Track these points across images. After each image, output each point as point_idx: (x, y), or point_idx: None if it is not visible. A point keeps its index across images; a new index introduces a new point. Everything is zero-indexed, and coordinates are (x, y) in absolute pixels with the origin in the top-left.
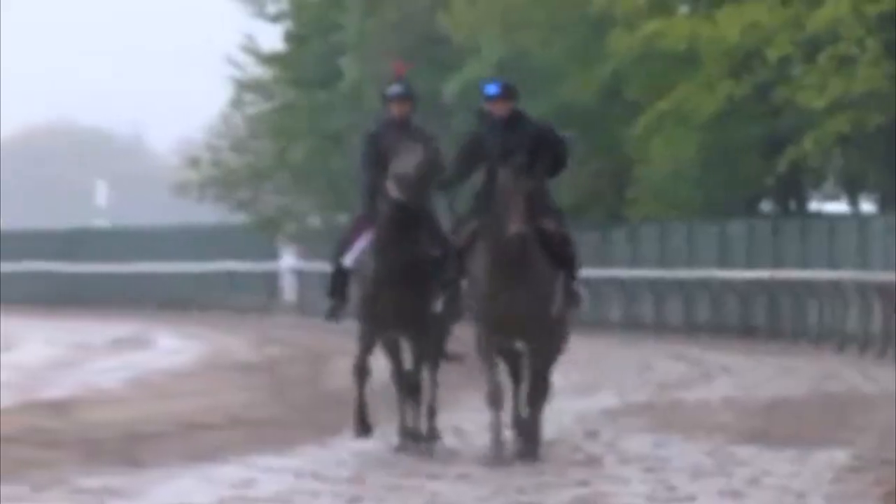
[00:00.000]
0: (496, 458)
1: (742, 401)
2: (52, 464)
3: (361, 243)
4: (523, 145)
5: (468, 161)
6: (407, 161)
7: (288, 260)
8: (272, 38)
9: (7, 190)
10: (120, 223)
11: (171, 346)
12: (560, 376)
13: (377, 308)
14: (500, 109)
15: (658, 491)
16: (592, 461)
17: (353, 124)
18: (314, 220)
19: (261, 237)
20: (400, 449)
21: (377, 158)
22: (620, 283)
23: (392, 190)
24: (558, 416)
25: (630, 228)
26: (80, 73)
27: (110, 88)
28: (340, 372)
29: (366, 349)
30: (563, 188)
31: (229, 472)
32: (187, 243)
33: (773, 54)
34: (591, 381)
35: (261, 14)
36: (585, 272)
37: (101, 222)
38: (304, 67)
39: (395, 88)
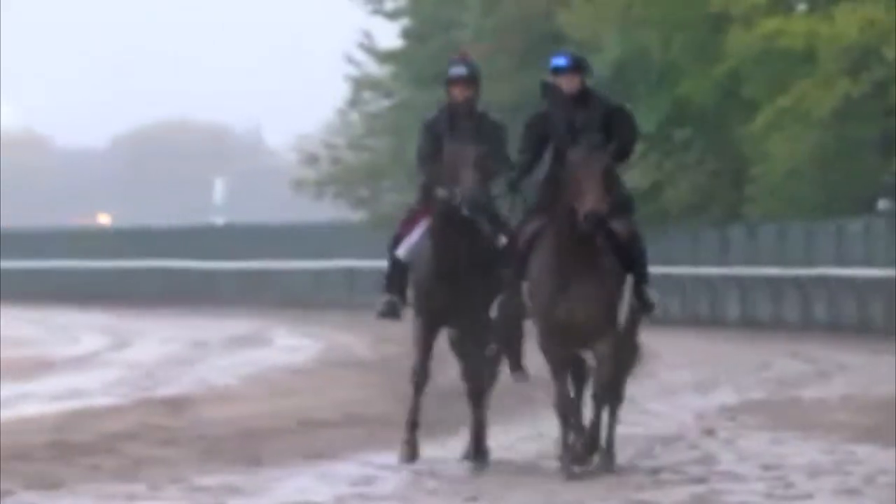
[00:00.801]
0: (567, 472)
1: (859, 399)
2: (170, 462)
3: (416, 236)
4: (593, 124)
5: (537, 146)
6: (468, 178)
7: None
8: (390, 35)
9: (126, 187)
10: (237, 220)
11: (288, 344)
12: (678, 374)
13: (433, 303)
14: (568, 84)
15: (775, 489)
16: (709, 458)
17: None
18: None
19: (379, 235)
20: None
21: (433, 151)
22: (738, 282)
23: (445, 195)
24: (677, 413)
25: (748, 227)
26: (200, 71)
27: (229, 86)
28: (455, 370)
29: (424, 351)
30: (682, 187)
31: (348, 469)
32: (306, 241)
33: (890, 52)
34: (708, 378)
35: (379, 11)
36: (704, 270)
37: (218, 219)
38: (422, 65)
39: (457, 69)
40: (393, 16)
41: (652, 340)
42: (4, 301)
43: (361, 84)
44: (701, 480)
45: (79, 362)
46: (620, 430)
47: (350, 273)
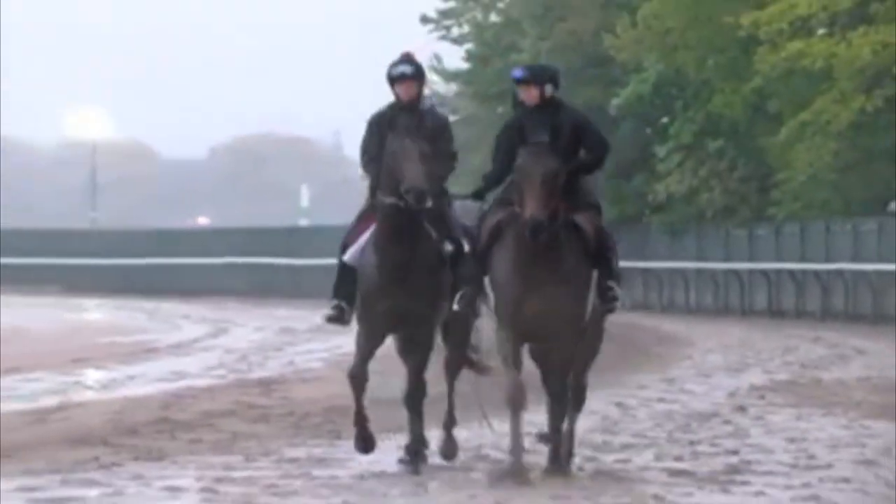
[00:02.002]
0: (515, 466)
1: (875, 380)
2: (262, 436)
3: (362, 240)
4: (562, 133)
5: (508, 154)
6: (412, 171)
7: None
8: (456, 58)
9: (222, 192)
10: (321, 223)
11: None
12: (712, 357)
13: (378, 308)
14: (527, 95)
15: (799, 459)
16: (741, 433)
17: None
18: None
19: None
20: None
21: (378, 150)
22: (765, 275)
23: (389, 196)
24: (711, 392)
25: (774, 227)
26: (288, 87)
27: (313, 100)
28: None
29: (363, 356)
30: (715, 191)
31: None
32: None
33: None
34: (739, 361)
35: (447, 37)
36: (735, 266)
37: (304, 222)
38: (485, 84)
39: (401, 67)
40: (459, 41)
41: (688, 328)
42: (116, 294)
43: (431, 101)
44: (734, 452)
45: (181, 348)
46: (660, 406)
47: None
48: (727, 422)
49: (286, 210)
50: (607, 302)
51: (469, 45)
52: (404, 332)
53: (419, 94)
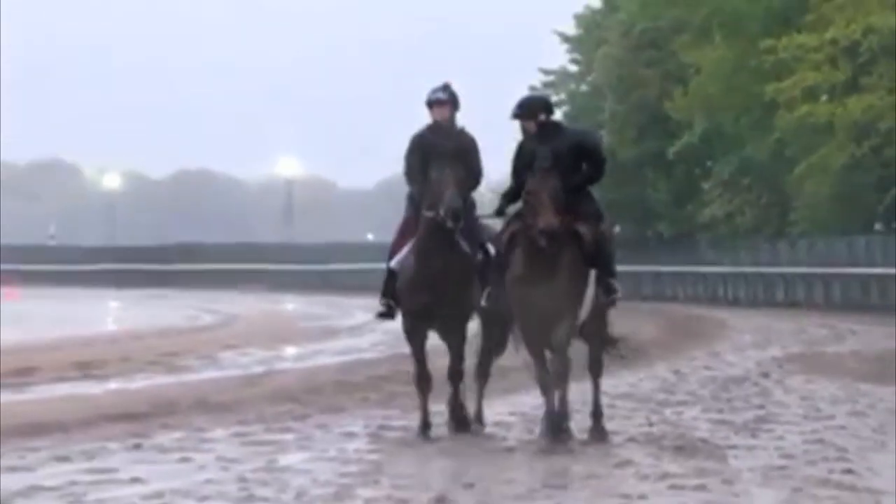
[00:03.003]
0: (555, 440)
1: (864, 353)
2: (414, 395)
3: (405, 250)
4: (562, 154)
5: (521, 174)
6: (450, 196)
7: None
8: (555, 117)
9: (385, 216)
10: None
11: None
12: (744, 336)
13: (413, 306)
14: (527, 126)
15: (809, 412)
16: (765, 392)
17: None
18: None
19: None
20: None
21: (421, 165)
22: (783, 277)
23: (430, 211)
24: (743, 362)
25: (790, 240)
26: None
27: None
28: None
29: (417, 356)
30: (747, 215)
31: (526, 400)
32: None
33: (883, 125)
34: (764, 339)
35: None
36: (761, 270)
37: None
38: None
39: (434, 94)
40: (558, 105)
41: (727, 316)
42: (305, 292)
43: None
44: (760, 407)
45: (354, 330)
46: (706, 373)
47: None
48: (755, 384)
49: None
50: (608, 294)
51: (566, 108)
52: (438, 327)
53: (452, 117)
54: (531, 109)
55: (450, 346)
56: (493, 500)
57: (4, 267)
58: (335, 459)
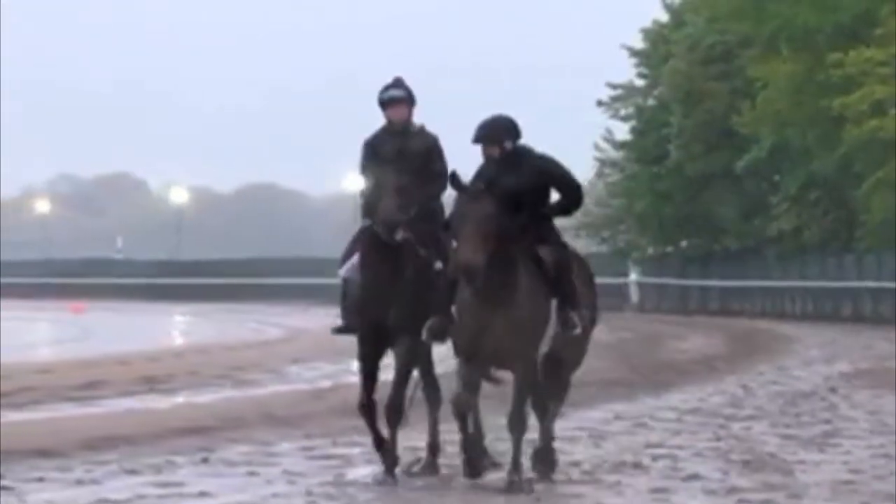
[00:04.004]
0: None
1: None
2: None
3: (355, 258)
4: (519, 184)
5: None
6: (386, 205)
7: (633, 276)
8: (622, 131)
9: None
10: None
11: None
12: (812, 351)
13: (362, 321)
14: (490, 153)
15: (876, 427)
16: (833, 407)
17: (675, 188)
18: (650, 250)
19: (616, 260)
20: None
21: (374, 169)
22: (850, 292)
23: (369, 220)
24: (811, 376)
25: (857, 255)
26: None
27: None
28: (668, 349)
29: (365, 381)
30: (813, 230)
31: (593, 415)
32: None
33: None
34: (831, 354)
35: (616, 116)
36: (828, 285)
37: None
38: (644, 150)
39: (387, 92)
40: (625, 119)
41: (794, 330)
42: None
43: (604, 163)
44: (828, 421)
45: None
46: (774, 387)
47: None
48: (823, 399)
49: None
50: (567, 329)
51: (632, 122)
52: (391, 345)
53: (409, 117)
54: (496, 133)
55: (395, 370)
56: None
57: (72, 281)
58: (402, 474)
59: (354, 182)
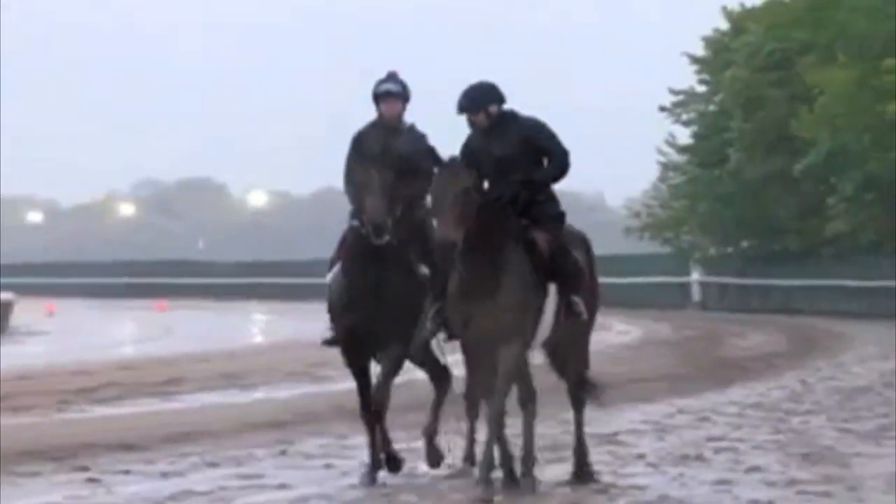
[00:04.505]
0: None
1: None
2: (545, 403)
3: (339, 263)
4: (510, 149)
5: None
6: (373, 205)
7: (695, 275)
8: (685, 135)
9: None
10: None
11: (622, 329)
12: (867, 348)
13: (344, 325)
14: (477, 121)
15: None
16: (889, 401)
17: (735, 190)
18: (711, 251)
19: (678, 260)
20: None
21: (358, 166)
22: None
23: (355, 221)
24: (867, 372)
25: None
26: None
27: (576, 159)
28: (729, 346)
29: (359, 383)
30: (868, 231)
31: (660, 409)
32: (640, 264)
33: None
34: (887, 350)
35: (678, 120)
36: (884, 283)
37: None
38: (705, 154)
39: (383, 86)
40: (687, 124)
41: (851, 328)
42: None
43: (667, 167)
44: (884, 415)
45: None
46: (832, 383)
47: (658, 285)
48: (878, 394)
49: None
50: (572, 316)
51: (694, 127)
52: (378, 350)
53: (401, 113)
54: (480, 101)
55: (381, 370)
56: (627, 500)
57: (155, 281)
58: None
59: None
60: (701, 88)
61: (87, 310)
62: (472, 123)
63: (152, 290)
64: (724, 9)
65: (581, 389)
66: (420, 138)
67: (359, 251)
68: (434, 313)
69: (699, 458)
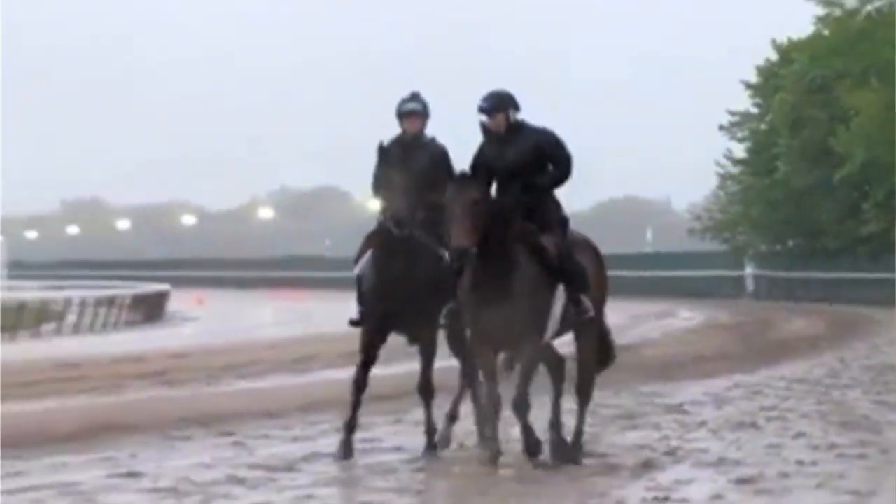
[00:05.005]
0: (489, 458)
1: None
2: (623, 379)
3: (367, 255)
4: (523, 156)
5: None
6: (395, 202)
7: (749, 269)
8: (740, 150)
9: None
10: (661, 251)
11: (686, 316)
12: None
13: (375, 313)
14: (495, 123)
15: None
16: None
17: (783, 197)
18: (762, 248)
19: (734, 257)
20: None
21: (384, 173)
22: None
23: (385, 219)
24: None
25: None
26: (638, 160)
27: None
28: (778, 330)
29: (365, 356)
30: None
31: (719, 383)
32: (701, 260)
33: None
34: None
35: (734, 137)
36: None
37: (648, 250)
38: (758, 166)
39: (406, 105)
40: (742, 140)
41: (885, 316)
42: None
43: (725, 177)
44: None
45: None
46: (867, 361)
47: (717, 278)
48: None
49: (637, 244)
50: (579, 314)
51: (748, 143)
52: (409, 335)
53: (422, 129)
54: (502, 103)
55: (421, 356)
56: (692, 461)
57: (290, 274)
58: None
59: None
60: (754, 110)
61: (232, 300)
62: (485, 131)
63: (288, 282)
64: (774, 41)
65: (591, 373)
66: (438, 150)
67: (386, 244)
68: (447, 311)
69: (753, 425)
